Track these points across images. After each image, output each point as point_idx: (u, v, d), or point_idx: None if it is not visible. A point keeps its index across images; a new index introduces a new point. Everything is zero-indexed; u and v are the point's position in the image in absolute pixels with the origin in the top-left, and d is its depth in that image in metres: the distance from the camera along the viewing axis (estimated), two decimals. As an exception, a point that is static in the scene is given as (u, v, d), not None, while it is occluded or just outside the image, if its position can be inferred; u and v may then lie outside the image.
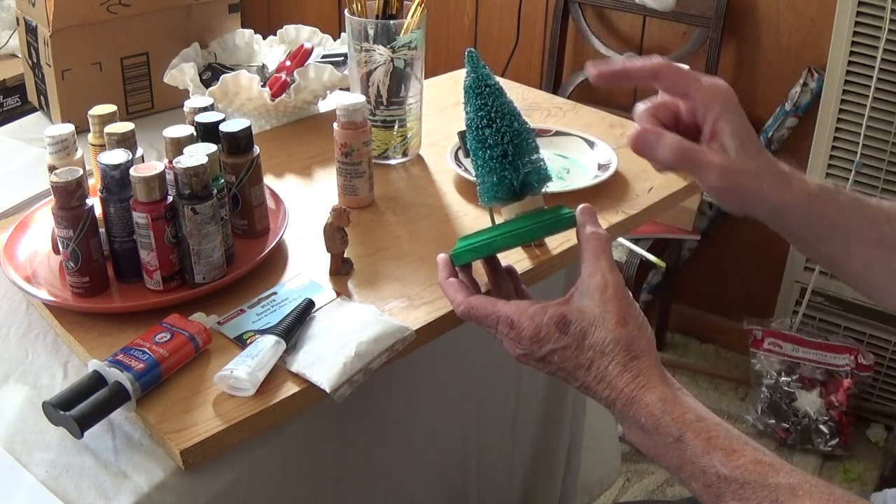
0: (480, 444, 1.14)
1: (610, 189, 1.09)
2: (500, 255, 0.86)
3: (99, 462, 0.71)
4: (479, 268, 0.87)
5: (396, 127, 1.14)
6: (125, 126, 0.92)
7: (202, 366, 0.78)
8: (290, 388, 0.76)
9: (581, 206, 0.78)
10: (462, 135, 0.86)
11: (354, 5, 1.09)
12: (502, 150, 0.81)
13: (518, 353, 0.75)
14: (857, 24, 1.79)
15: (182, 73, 1.24)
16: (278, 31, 1.39)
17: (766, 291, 2.22)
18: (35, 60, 1.34)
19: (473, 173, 0.86)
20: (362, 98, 1.01)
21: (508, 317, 0.74)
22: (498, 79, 0.85)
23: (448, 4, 2.42)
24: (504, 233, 0.81)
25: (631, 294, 0.74)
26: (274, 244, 0.92)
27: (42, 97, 1.37)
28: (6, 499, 0.69)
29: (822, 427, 1.99)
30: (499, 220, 0.87)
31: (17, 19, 1.36)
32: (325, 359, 0.77)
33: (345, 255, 0.92)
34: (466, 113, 0.84)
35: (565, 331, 0.72)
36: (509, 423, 1.19)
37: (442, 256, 0.83)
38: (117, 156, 0.84)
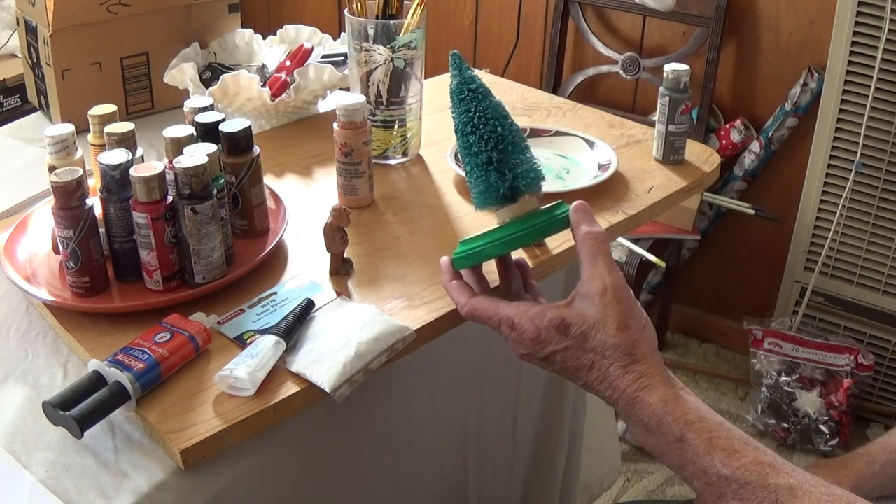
0: (480, 443, 1.14)
1: (610, 189, 1.09)
2: None
3: (99, 462, 0.71)
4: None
5: (396, 127, 1.14)
6: (125, 126, 0.92)
7: (202, 366, 0.78)
8: (290, 388, 0.76)
9: (574, 203, 0.77)
10: None
11: (354, 5, 1.09)
12: (487, 157, 0.79)
13: (521, 352, 0.76)
14: (857, 24, 1.79)
15: (182, 73, 1.24)
16: (278, 31, 1.39)
17: (766, 291, 2.21)
18: (35, 60, 1.33)
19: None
20: (362, 98, 1.01)
21: (510, 318, 0.74)
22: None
23: (448, 4, 2.42)
24: (495, 240, 0.79)
25: (632, 292, 0.73)
26: (274, 244, 0.92)
27: (42, 97, 1.37)
28: (6, 499, 0.69)
29: (822, 427, 1.99)
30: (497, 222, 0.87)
31: (17, 19, 1.35)
32: (325, 359, 0.77)
33: (345, 255, 0.92)
34: (453, 118, 0.82)
35: (566, 333, 0.72)
36: (509, 423, 1.19)
37: (444, 259, 0.83)
38: (117, 156, 0.84)
